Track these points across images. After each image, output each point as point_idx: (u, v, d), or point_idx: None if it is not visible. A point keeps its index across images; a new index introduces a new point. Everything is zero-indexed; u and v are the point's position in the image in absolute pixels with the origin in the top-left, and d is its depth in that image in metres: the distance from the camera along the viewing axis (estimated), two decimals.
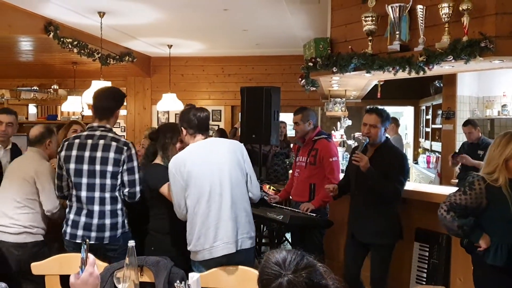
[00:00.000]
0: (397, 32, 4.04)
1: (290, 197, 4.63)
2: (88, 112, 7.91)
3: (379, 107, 3.77)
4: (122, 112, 9.20)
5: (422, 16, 3.87)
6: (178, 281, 1.92)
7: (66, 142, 3.17)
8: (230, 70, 9.16)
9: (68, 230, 3.11)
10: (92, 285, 1.65)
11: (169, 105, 8.11)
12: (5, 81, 9.83)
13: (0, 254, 3.31)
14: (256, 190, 3.12)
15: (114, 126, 3.30)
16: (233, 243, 2.83)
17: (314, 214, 4.06)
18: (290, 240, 4.75)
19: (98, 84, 5.98)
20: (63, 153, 3.14)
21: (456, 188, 2.94)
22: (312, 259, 1.29)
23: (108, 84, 5.77)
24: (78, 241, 3.05)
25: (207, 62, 9.18)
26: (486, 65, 4.02)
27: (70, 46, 6.20)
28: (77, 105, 8.13)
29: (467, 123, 5.70)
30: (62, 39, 6.06)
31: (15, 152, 4.13)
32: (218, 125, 8.98)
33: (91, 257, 1.68)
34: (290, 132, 7.84)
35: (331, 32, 4.84)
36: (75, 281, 1.64)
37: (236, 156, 3.01)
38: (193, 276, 1.91)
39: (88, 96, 6.09)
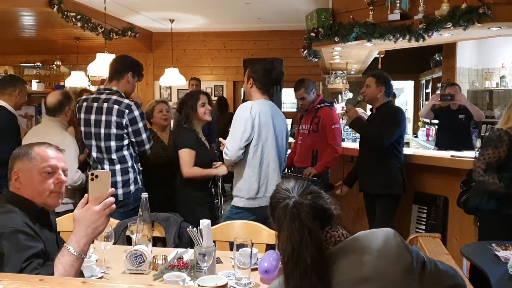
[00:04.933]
0: (398, 1, 4.12)
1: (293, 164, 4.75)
2: (94, 88, 7.97)
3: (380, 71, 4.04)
4: None
5: None
6: (190, 226, 2.04)
7: (77, 105, 3.37)
8: (232, 45, 9.20)
9: None
10: (90, 221, 1.63)
11: (172, 80, 8.16)
12: (8, 58, 9.88)
13: None
14: None
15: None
16: None
17: (316, 178, 4.18)
18: None
19: (103, 57, 6.05)
20: None
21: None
22: (319, 189, 1.42)
23: (112, 56, 5.84)
24: None
25: (209, 38, 9.22)
26: (485, 33, 4.10)
27: (73, 20, 6.23)
28: (81, 80, 8.20)
29: (455, 84, 5.74)
30: (66, 13, 6.11)
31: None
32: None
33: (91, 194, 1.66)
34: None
35: (332, 3, 4.92)
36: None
37: (286, 124, 3.47)
38: (204, 222, 2.02)
39: (93, 68, 6.18)
